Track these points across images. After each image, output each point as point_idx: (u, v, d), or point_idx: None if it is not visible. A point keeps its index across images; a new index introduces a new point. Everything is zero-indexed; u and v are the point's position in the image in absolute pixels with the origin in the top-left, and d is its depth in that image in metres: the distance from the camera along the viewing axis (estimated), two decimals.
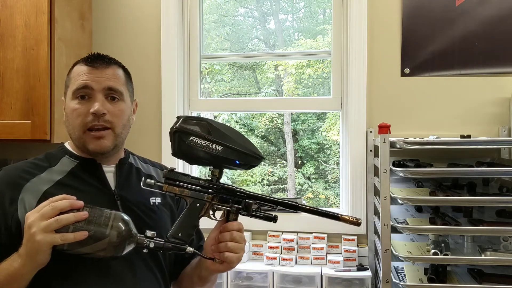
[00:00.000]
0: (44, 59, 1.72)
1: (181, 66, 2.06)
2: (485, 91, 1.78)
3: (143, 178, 0.97)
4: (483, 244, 1.46)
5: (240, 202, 0.99)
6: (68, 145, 1.07)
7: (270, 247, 1.86)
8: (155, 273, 1.05)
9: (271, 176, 5.43)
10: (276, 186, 5.41)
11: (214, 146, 0.95)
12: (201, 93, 2.12)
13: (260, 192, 0.99)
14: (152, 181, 0.96)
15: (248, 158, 0.98)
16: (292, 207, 1.00)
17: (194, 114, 2.13)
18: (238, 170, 1.03)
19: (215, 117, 5.08)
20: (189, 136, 0.94)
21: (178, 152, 0.96)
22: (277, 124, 5.49)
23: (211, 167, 0.99)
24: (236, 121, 5.44)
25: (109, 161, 1.06)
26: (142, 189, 1.07)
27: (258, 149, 0.99)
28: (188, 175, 0.98)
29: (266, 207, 1.00)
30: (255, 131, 5.63)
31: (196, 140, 0.94)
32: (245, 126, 5.64)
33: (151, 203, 1.08)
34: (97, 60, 1.02)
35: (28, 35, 1.72)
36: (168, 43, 2.01)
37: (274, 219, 1.00)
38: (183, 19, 2.07)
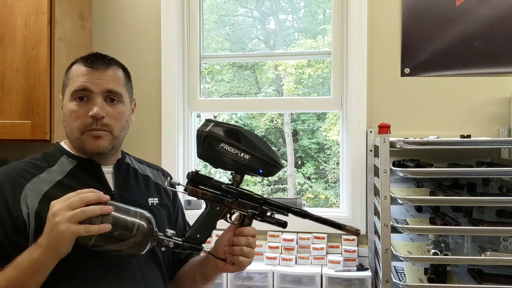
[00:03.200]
0: (44, 59, 1.72)
1: (181, 66, 2.06)
2: (485, 91, 1.78)
3: (168, 178, 1.01)
4: (483, 244, 1.46)
5: (256, 208, 1.00)
6: (65, 145, 1.06)
7: (270, 247, 1.86)
8: (155, 272, 1.05)
9: (271, 176, 5.41)
10: (276, 186, 5.40)
11: (242, 154, 0.97)
12: (201, 93, 2.12)
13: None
14: (177, 181, 0.99)
15: (270, 168, 1.00)
16: (302, 215, 1.04)
17: (194, 114, 2.13)
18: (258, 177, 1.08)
19: (215, 117, 5.08)
20: (220, 142, 0.96)
21: (206, 156, 0.97)
22: (277, 124, 5.49)
23: (233, 172, 1.01)
24: (236, 121, 5.44)
25: (107, 162, 1.06)
26: (140, 189, 1.08)
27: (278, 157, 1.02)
28: (211, 178, 0.99)
29: (278, 213, 1.03)
30: (255, 131, 5.63)
31: (226, 147, 0.96)
32: (245, 126, 5.64)
33: (149, 204, 1.09)
34: (96, 61, 1.00)
35: (28, 35, 1.72)
36: (168, 43, 2.01)
37: (284, 225, 1.04)
38: (183, 19, 2.07)
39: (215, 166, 1.01)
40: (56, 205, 0.84)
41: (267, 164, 0.99)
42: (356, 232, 1.04)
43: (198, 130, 0.98)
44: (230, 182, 1.01)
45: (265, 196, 1.02)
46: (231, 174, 1.01)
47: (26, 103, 1.73)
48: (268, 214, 1.01)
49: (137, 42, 2.05)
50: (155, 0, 2.02)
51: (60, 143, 1.08)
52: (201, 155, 0.98)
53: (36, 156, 1.04)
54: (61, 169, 1.00)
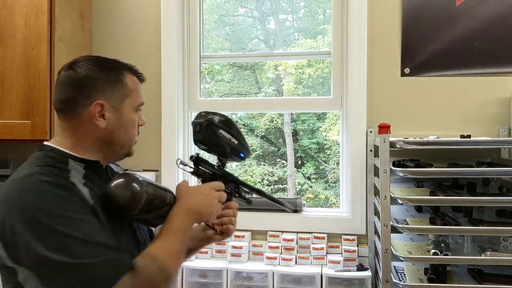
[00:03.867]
0: (44, 59, 1.72)
1: (181, 66, 2.06)
2: (485, 91, 1.78)
3: (177, 159, 1.14)
4: (483, 244, 1.46)
5: (236, 187, 1.18)
6: (63, 148, 1.00)
7: (270, 247, 1.86)
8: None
9: (271, 176, 5.42)
10: (276, 186, 5.40)
11: (233, 140, 1.12)
12: (201, 93, 2.12)
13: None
14: (186, 162, 1.13)
15: (247, 153, 1.18)
16: (257, 192, 1.22)
17: (194, 114, 2.13)
18: (235, 163, 1.22)
19: None
20: (219, 129, 1.11)
21: (206, 141, 1.11)
22: (277, 124, 5.49)
23: (220, 156, 1.16)
24: (236, 121, 5.43)
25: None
26: None
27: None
28: (207, 161, 1.14)
29: (249, 193, 1.22)
30: (255, 131, 5.62)
31: (224, 133, 1.11)
32: (245, 126, 5.63)
33: None
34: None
35: (28, 35, 1.72)
36: (168, 43, 2.01)
37: (250, 202, 1.21)
38: (183, 19, 2.07)
39: (210, 151, 1.15)
40: (216, 193, 1.06)
41: (247, 150, 1.17)
42: (293, 210, 1.22)
43: (197, 121, 1.11)
44: (218, 165, 1.16)
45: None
46: (218, 158, 1.16)
47: (26, 103, 1.73)
48: (244, 193, 1.20)
49: (137, 42, 2.05)
50: (155, 0, 2.02)
51: (56, 147, 1.00)
52: (201, 140, 1.11)
53: (40, 163, 0.94)
54: (77, 172, 0.96)
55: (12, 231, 0.80)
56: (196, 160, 1.13)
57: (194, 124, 1.11)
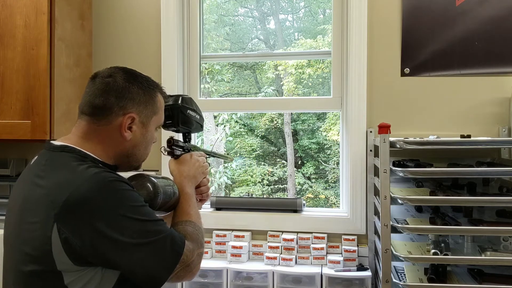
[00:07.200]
0: (44, 59, 1.72)
1: (181, 66, 2.06)
2: (485, 91, 1.78)
3: (164, 146, 1.22)
4: (483, 244, 1.46)
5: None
6: (87, 151, 0.98)
7: (270, 247, 1.86)
8: None
9: (271, 176, 5.43)
10: (276, 186, 5.41)
11: (197, 116, 1.25)
12: (201, 93, 2.12)
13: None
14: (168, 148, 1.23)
15: (203, 122, 1.32)
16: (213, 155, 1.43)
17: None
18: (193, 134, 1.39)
19: (215, 117, 5.08)
20: (187, 109, 1.21)
21: (177, 123, 1.20)
22: (277, 124, 5.49)
23: (187, 133, 1.28)
24: (236, 121, 5.44)
25: None
26: None
27: None
28: (179, 141, 1.24)
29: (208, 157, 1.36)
30: (255, 131, 5.63)
31: (191, 113, 1.23)
32: (245, 126, 5.64)
33: None
34: None
35: (28, 35, 1.72)
36: (168, 43, 2.01)
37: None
38: (183, 19, 2.07)
39: (178, 131, 1.25)
40: (198, 158, 1.23)
41: (203, 120, 1.31)
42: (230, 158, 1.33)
43: (168, 106, 1.16)
44: (187, 140, 1.28)
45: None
46: (184, 134, 1.27)
47: (26, 103, 1.73)
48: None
49: (137, 42, 2.05)
50: (155, 0, 2.02)
51: (82, 149, 0.97)
52: (175, 123, 1.20)
53: (89, 164, 0.93)
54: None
55: (95, 233, 0.85)
56: (173, 142, 1.22)
57: (167, 109, 1.17)
